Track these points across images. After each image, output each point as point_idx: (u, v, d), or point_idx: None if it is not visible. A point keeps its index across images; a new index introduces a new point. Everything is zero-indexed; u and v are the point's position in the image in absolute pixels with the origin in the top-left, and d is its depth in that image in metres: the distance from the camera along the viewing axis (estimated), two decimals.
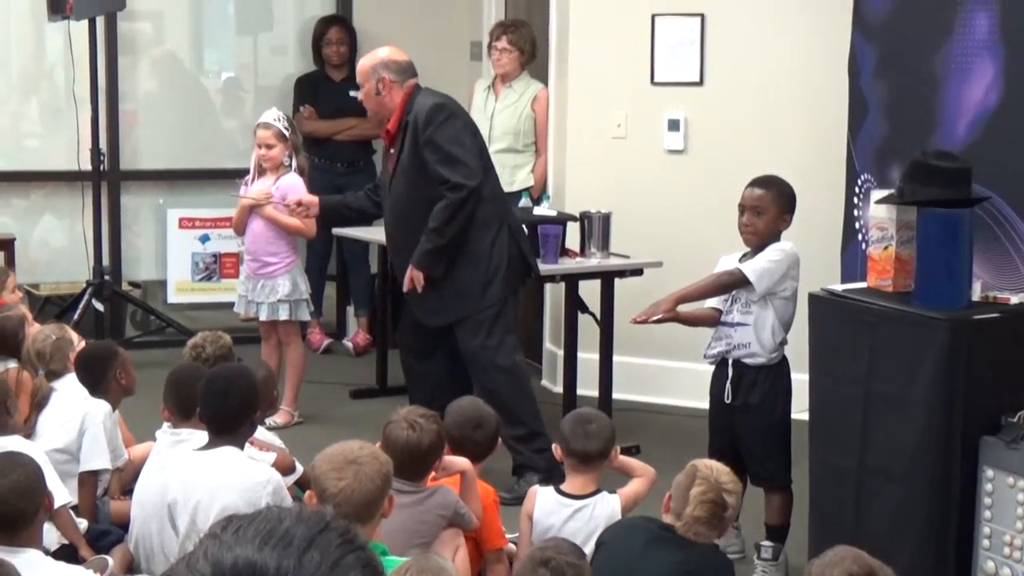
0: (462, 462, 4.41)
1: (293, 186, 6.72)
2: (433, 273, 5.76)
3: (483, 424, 4.67)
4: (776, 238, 5.10)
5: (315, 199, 6.40)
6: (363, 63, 6.03)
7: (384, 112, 5.93)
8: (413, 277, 5.77)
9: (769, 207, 5.07)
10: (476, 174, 5.72)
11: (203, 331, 5.51)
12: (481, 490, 4.49)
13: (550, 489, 4.50)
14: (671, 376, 6.95)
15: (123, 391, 5.06)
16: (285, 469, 4.70)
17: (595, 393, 6.29)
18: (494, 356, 5.79)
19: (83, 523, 4.56)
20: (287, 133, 6.76)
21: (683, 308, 5.20)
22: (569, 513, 4.39)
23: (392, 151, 5.93)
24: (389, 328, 7.66)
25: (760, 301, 5.04)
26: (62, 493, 4.32)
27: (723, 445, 5.20)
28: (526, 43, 7.47)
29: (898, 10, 5.51)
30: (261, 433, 4.87)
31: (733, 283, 5.10)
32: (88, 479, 4.80)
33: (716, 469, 3.95)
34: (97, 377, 4.98)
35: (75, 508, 4.60)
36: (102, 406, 4.86)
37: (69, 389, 4.99)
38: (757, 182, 5.16)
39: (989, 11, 4.94)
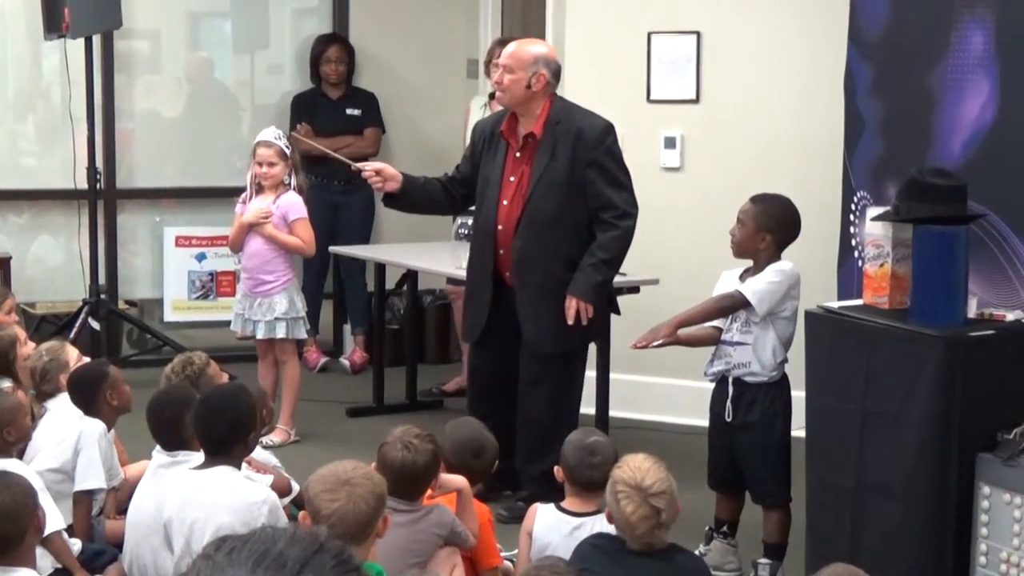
0: (458, 480, 4.40)
1: (293, 204, 6.73)
2: (599, 304, 5.60)
3: (483, 453, 4.65)
4: (773, 255, 5.09)
5: (396, 172, 5.83)
6: (521, 49, 5.69)
7: (521, 108, 5.66)
8: (580, 309, 5.51)
9: (747, 222, 5.08)
10: (637, 203, 5.63)
11: (179, 355, 5.44)
12: (476, 508, 4.48)
13: (551, 506, 4.50)
14: (669, 394, 6.94)
15: (116, 411, 5.04)
16: (282, 491, 4.69)
17: (592, 411, 6.28)
18: (559, 392, 5.69)
19: (77, 544, 4.54)
20: (288, 151, 6.78)
21: (683, 330, 5.20)
22: (568, 530, 4.39)
23: (519, 154, 5.67)
24: (386, 346, 7.67)
25: (761, 322, 5.04)
26: (55, 517, 4.30)
27: (723, 463, 5.20)
28: None
29: (894, 28, 5.52)
30: (257, 452, 4.85)
31: (734, 306, 5.09)
32: (83, 499, 4.78)
33: (638, 472, 3.85)
34: (88, 398, 4.97)
35: (70, 528, 4.58)
36: (97, 425, 4.85)
37: (63, 409, 4.98)
38: (754, 196, 5.18)
39: (985, 29, 4.95)
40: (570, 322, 5.53)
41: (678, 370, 6.57)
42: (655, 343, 5.12)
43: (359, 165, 5.70)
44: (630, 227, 5.59)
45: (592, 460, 4.38)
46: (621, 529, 3.86)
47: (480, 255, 5.81)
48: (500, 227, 5.69)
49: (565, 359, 5.71)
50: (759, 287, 5.03)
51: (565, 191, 5.58)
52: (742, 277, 5.13)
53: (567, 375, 5.74)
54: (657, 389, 7.01)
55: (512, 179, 5.68)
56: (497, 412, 5.64)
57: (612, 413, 6.31)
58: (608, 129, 5.64)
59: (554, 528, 4.41)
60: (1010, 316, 4.55)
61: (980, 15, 4.95)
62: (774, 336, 5.05)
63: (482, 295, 5.79)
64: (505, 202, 5.68)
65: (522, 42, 5.85)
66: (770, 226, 5.08)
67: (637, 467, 3.87)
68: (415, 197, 5.88)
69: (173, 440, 4.52)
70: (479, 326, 5.82)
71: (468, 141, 7.55)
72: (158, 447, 4.61)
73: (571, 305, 5.53)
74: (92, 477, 4.78)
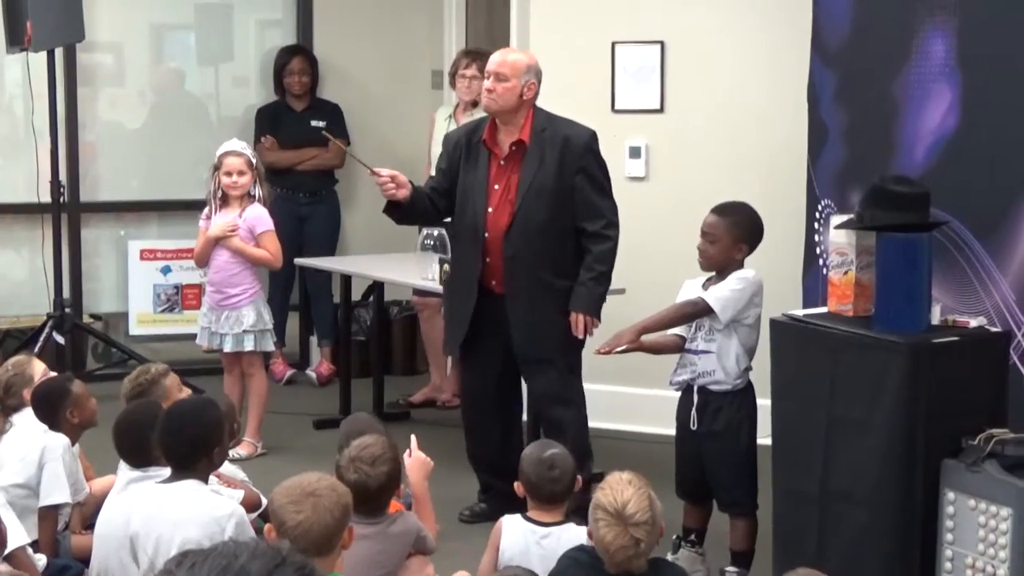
0: (411, 475, 4.41)
1: (260, 218, 6.72)
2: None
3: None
4: (739, 265, 5.11)
5: (407, 180, 5.65)
6: (515, 57, 5.70)
7: (507, 116, 5.63)
8: (588, 324, 5.57)
9: (722, 236, 5.08)
10: (618, 211, 5.66)
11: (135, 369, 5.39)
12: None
13: (517, 517, 4.49)
14: (636, 403, 6.95)
15: (79, 427, 5.01)
16: (251, 505, 4.67)
17: None
18: (567, 392, 5.72)
19: (42, 559, 4.52)
20: (254, 161, 6.77)
21: (646, 337, 5.20)
22: (536, 539, 4.38)
23: (503, 162, 5.65)
24: (352, 358, 7.66)
25: (724, 329, 5.05)
26: (19, 533, 4.27)
27: (690, 471, 5.21)
28: None
29: (856, 37, 5.55)
30: (224, 466, 4.83)
31: (696, 312, 5.10)
32: (48, 514, 4.76)
33: (620, 497, 3.74)
34: (50, 414, 4.94)
35: (35, 544, 4.55)
36: (60, 439, 4.82)
37: (27, 423, 4.95)
38: (716, 208, 5.17)
39: (946, 37, 4.98)
40: (580, 336, 5.59)
41: (646, 379, 6.57)
42: (618, 349, 5.13)
43: (377, 170, 5.60)
44: (618, 236, 5.63)
45: (551, 475, 4.36)
46: (600, 552, 3.82)
47: (464, 264, 5.77)
48: (487, 235, 5.67)
49: (563, 357, 5.70)
50: (722, 294, 5.04)
51: (554, 198, 5.58)
52: (705, 285, 5.14)
53: (568, 366, 5.73)
54: (625, 398, 7.02)
55: (497, 187, 5.66)
56: (494, 430, 5.74)
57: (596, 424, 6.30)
58: (594, 136, 5.68)
59: (521, 538, 4.40)
60: (973, 322, 4.57)
61: (942, 23, 4.98)
62: (738, 344, 5.06)
63: (465, 306, 5.75)
64: (491, 210, 5.66)
65: (511, 51, 5.85)
66: (744, 236, 5.10)
67: (619, 491, 3.76)
68: (418, 207, 5.76)
69: (140, 460, 4.51)
70: (459, 337, 5.80)
71: (433, 152, 7.59)
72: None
73: (578, 320, 5.57)
74: (57, 492, 4.75)
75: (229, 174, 6.68)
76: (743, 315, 5.05)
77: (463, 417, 6.05)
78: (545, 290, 5.62)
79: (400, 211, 5.73)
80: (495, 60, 5.68)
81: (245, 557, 1.44)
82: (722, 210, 5.16)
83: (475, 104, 7.49)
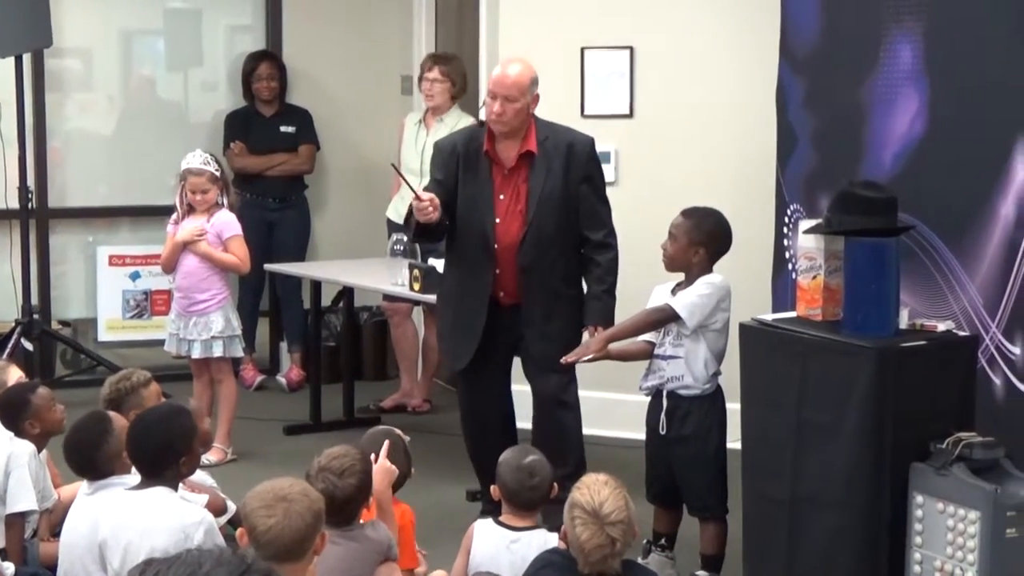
0: (376, 487, 4.42)
1: (228, 223, 6.72)
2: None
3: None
4: (705, 268, 5.12)
5: (439, 202, 5.44)
6: (520, 74, 5.46)
7: (518, 132, 5.53)
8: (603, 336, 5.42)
9: (680, 236, 5.11)
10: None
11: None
12: (397, 510, 4.47)
13: (489, 521, 4.50)
14: (607, 407, 6.95)
15: (42, 436, 4.98)
16: (216, 511, 4.66)
17: (530, 425, 6.27)
18: (569, 395, 5.67)
19: (10, 567, 4.49)
20: (218, 175, 6.75)
21: (615, 345, 5.21)
22: (506, 543, 4.39)
23: (508, 172, 5.55)
24: (323, 364, 7.64)
25: (692, 334, 5.07)
26: None
27: (660, 476, 5.22)
28: (457, 75, 7.49)
29: (824, 42, 5.57)
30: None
31: (663, 319, 5.12)
32: (15, 521, 4.72)
33: (596, 497, 3.79)
34: (12, 423, 4.91)
35: (3, 551, 4.53)
36: (27, 447, 4.79)
37: None
38: (685, 210, 5.21)
39: (913, 43, 5.00)
40: (597, 351, 5.38)
41: (616, 383, 6.58)
42: (585, 358, 5.14)
43: (420, 194, 5.42)
44: (617, 243, 5.60)
45: (530, 482, 4.38)
46: (574, 552, 3.83)
47: (474, 277, 5.62)
48: (497, 246, 5.58)
49: (568, 371, 5.64)
50: (689, 300, 5.06)
51: (563, 207, 5.53)
52: (674, 291, 5.15)
53: (571, 371, 5.66)
54: (595, 403, 7.01)
55: (503, 197, 5.56)
56: (499, 441, 5.66)
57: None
58: (594, 143, 5.65)
59: (492, 542, 4.41)
60: (941, 327, 4.59)
61: (909, 28, 5.01)
62: (706, 349, 5.07)
63: (475, 319, 5.63)
64: (499, 220, 5.57)
65: (513, 66, 5.55)
66: (702, 239, 5.11)
67: (596, 492, 3.80)
68: (442, 226, 5.59)
69: (93, 474, 4.48)
70: (470, 351, 5.67)
71: (404, 156, 7.60)
72: None
73: (596, 333, 5.44)
74: (24, 499, 4.72)
75: (193, 192, 6.67)
76: (710, 320, 5.07)
77: (467, 429, 5.89)
78: (558, 300, 5.56)
79: (428, 233, 5.57)
80: (501, 82, 5.47)
81: (209, 565, 1.44)
82: (689, 212, 5.19)
83: (438, 111, 7.49)
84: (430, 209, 5.36)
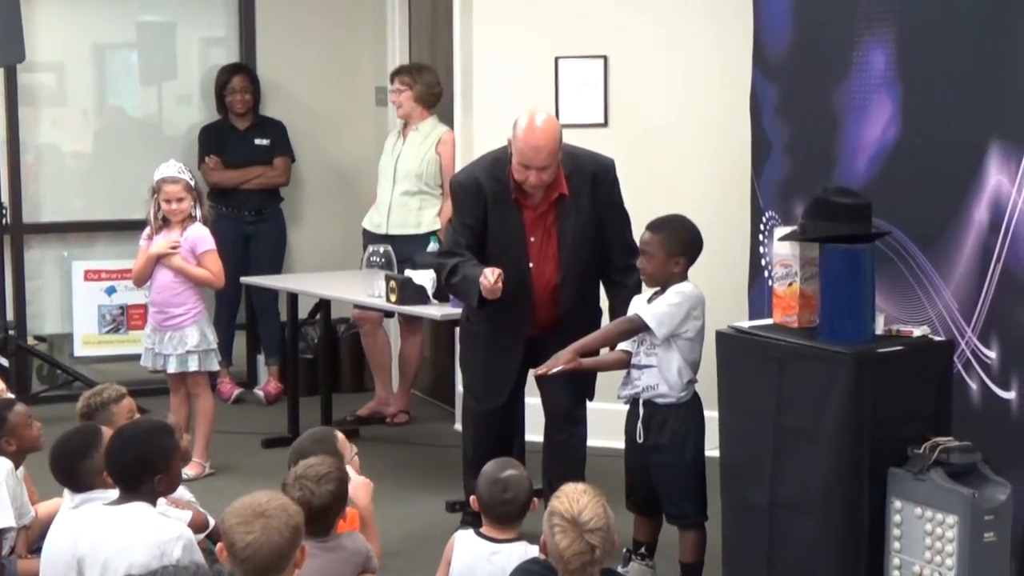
0: (358, 499, 4.40)
1: (201, 237, 6.70)
2: None
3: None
4: (681, 277, 5.12)
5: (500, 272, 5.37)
6: (552, 139, 5.37)
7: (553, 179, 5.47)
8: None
9: (656, 252, 5.09)
10: None
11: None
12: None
13: (470, 532, 4.49)
14: (588, 416, 6.93)
15: (18, 453, 4.96)
16: (198, 526, 4.64)
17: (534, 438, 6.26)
18: (581, 411, 5.70)
19: None
20: (193, 184, 6.74)
21: (591, 359, 5.21)
22: (487, 555, 4.38)
23: (537, 212, 5.51)
24: (300, 376, 7.62)
25: (664, 344, 5.06)
26: None
27: (638, 484, 5.22)
28: (419, 81, 7.50)
29: (797, 49, 5.58)
30: None
31: (633, 329, 5.12)
32: None
33: (575, 504, 3.79)
34: None
35: None
36: (3, 463, 4.77)
37: None
38: (650, 224, 5.17)
39: (885, 49, 5.01)
40: (568, 363, 5.26)
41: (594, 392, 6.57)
42: (555, 369, 5.14)
43: (488, 274, 5.32)
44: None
45: (504, 496, 4.36)
46: (554, 560, 3.83)
47: (510, 317, 5.54)
48: (533, 288, 5.54)
49: (585, 380, 5.61)
50: (658, 310, 5.06)
51: (593, 241, 5.54)
52: (651, 300, 5.15)
53: (586, 390, 5.69)
54: None
55: (534, 239, 5.53)
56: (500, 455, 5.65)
57: (528, 437, 6.29)
58: (614, 166, 5.62)
59: (472, 553, 4.40)
60: (917, 332, 4.61)
61: (881, 34, 5.02)
62: (679, 357, 5.07)
63: (510, 357, 5.63)
64: (532, 264, 5.53)
65: (544, 134, 5.39)
66: (681, 250, 5.11)
67: (575, 499, 3.80)
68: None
69: (77, 485, 4.47)
70: (504, 391, 5.68)
71: (382, 166, 7.61)
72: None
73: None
74: (1, 516, 4.71)
75: (168, 201, 6.65)
76: (681, 329, 5.07)
77: (474, 433, 5.84)
78: (587, 326, 5.46)
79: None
80: (535, 158, 5.35)
81: None
82: (656, 226, 5.16)
83: (410, 119, 7.50)
84: (499, 287, 5.33)
